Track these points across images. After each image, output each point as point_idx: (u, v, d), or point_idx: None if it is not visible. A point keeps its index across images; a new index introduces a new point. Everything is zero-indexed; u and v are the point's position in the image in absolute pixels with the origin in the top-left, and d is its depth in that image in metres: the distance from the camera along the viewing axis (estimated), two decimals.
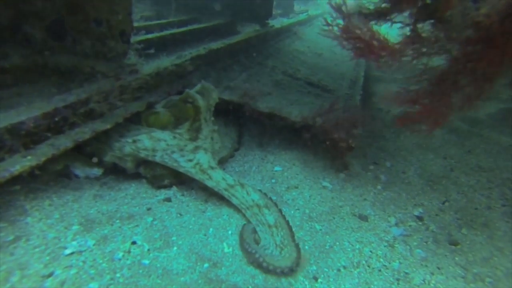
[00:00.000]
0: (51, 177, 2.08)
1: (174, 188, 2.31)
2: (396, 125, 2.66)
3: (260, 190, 2.19)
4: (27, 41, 2.43)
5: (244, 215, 2.09)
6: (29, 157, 1.74)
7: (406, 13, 2.14)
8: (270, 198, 2.15)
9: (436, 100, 2.20)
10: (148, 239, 1.82)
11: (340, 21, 2.37)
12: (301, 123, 2.74)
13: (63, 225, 1.79)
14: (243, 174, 2.63)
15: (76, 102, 2.03)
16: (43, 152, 1.81)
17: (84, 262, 1.60)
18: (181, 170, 2.17)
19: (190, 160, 2.17)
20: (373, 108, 4.24)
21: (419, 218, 2.36)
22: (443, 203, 2.54)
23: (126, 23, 2.44)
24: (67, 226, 1.79)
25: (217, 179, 2.13)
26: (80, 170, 2.18)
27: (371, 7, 2.25)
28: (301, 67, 4.48)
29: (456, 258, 2.02)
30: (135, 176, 2.34)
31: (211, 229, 1.98)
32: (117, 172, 2.31)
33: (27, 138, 1.79)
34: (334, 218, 2.26)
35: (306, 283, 1.72)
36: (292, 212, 2.26)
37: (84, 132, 2.03)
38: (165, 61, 2.88)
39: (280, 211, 2.06)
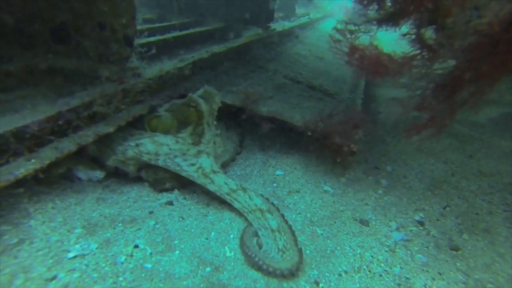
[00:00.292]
0: (54, 180, 2.09)
1: (176, 191, 2.32)
2: (407, 135, 2.70)
3: (262, 195, 2.20)
4: (31, 44, 2.45)
5: (246, 220, 2.09)
6: (33, 160, 1.75)
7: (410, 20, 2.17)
8: (272, 203, 2.15)
9: (440, 105, 2.22)
10: (151, 242, 1.83)
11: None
12: (303, 127, 2.75)
13: (66, 228, 1.80)
14: (245, 178, 2.64)
15: (80, 106, 2.05)
16: (47, 155, 1.82)
17: (87, 265, 1.60)
18: (183, 174, 2.18)
19: (193, 165, 2.18)
20: (374, 112, 4.25)
21: (420, 223, 2.36)
22: (444, 208, 2.55)
23: (130, 27, 2.46)
24: (70, 229, 1.80)
25: (220, 183, 2.14)
26: (83, 173, 2.19)
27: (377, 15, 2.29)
28: (303, 70, 4.49)
29: (457, 264, 2.03)
30: (137, 179, 2.35)
31: (213, 233, 1.99)
32: (119, 175, 2.32)
33: (31, 141, 1.80)
34: (335, 222, 2.27)
35: (308, 287, 1.73)
36: (294, 216, 2.27)
37: (88, 136, 2.04)
38: (168, 65, 2.90)
39: (283, 215, 2.07)
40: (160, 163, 2.20)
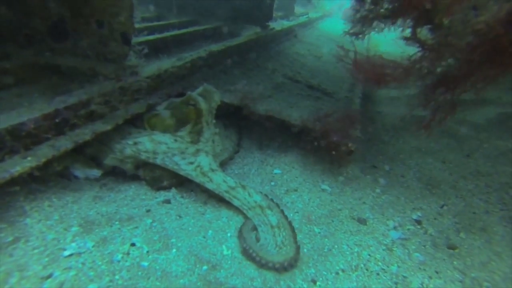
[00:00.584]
0: (51, 178, 2.08)
1: (174, 190, 2.31)
2: (422, 129, 2.73)
3: (260, 192, 2.20)
4: (28, 42, 2.44)
5: (243, 218, 2.09)
6: (29, 158, 1.74)
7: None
8: (272, 200, 2.15)
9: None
10: (147, 241, 1.82)
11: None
12: (301, 126, 2.75)
13: (62, 226, 1.79)
14: (243, 177, 2.64)
15: (77, 104, 2.04)
16: (43, 153, 1.81)
17: (83, 263, 1.60)
18: (181, 173, 2.17)
19: (191, 163, 2.17)
20: (373, 111, 4.26)
21: (418, 222, 2.37)
22: (442, 207, 2.55)
23: (128, 25, 2.44)
24: (66, 227, 1.79)
25: (218, 181, 2.13)
26: (80, 171, 2.18)
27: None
28: (301, 70, 4.50)
29: (454, 262, 2.03)
30: (135, 178, 2.34)
31: (210, 231, 1.99)
32: (116, 174, 2.31)
33: (27, 139, 1.79)
34: (333, 221, 2.27)
35: (305, 286, 1.73)
36: (291, 215, 2.26)
37: (85, 134, 2.03)
38: (166, 63, 2.89)
39: (283, 212, 2.07)
40: (158, 161, 2.19)
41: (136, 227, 1.91)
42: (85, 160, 2.23)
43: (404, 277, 1.88)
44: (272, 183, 2.59)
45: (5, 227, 1.69)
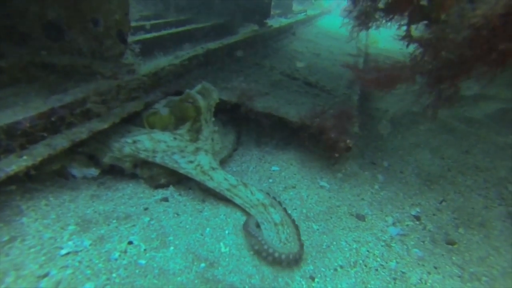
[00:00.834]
0: (48, 177, 2.07)
1: (171, 188, 2.31)
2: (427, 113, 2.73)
3: (262, 190, 2.19)
4: (24, 40, 2.42)
5: (241, 216, 2.08)
6: (25, 157, 1.73)
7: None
8: (274, 198, 2.14)
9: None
10: (145, 239, 1.82)
11: None
12: (299, 123, 2.74)
13: (59, 225, 1.78)
14: (241, 174, 2.63)
15: (73, 102, 2.03)
16: (39, 152, 1.80)
17: (80, 262, 1.59)
18: (181, 171, 2.16)
19: (191, 162, 2.16)
20: (371, 108, 4.25)
21: (416, 218, 2.36)
22: (440, 203, 2.55)
23: (123, 23, 2.43)
24: (63, 226, 1.78)
25: (219, 180, 2.12)
26: (77, 170, 2.18)
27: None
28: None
29: (453, 258, 2.03)
30: (133, 176, 2.33)
31: (208, 229, 1.98)
32: (114, 172, 2.30)
33: (23, 138, 1.78)
34: (331, 217, 2.26)
35: (303, 282, 1.72)
36: (290, 212, 2.25)
37: (81, 132, 2.02)
38: (163, 61, 2.88)
39: (285, 209, 2.06)
40: (158, 160, 2.18)
41: (134, 225, 1.90)
42: (83, 159, 2.22)
43: (403, 273, 1.88)
44: (270, 180, 2.58)
45: (1, 226, 1.68)
